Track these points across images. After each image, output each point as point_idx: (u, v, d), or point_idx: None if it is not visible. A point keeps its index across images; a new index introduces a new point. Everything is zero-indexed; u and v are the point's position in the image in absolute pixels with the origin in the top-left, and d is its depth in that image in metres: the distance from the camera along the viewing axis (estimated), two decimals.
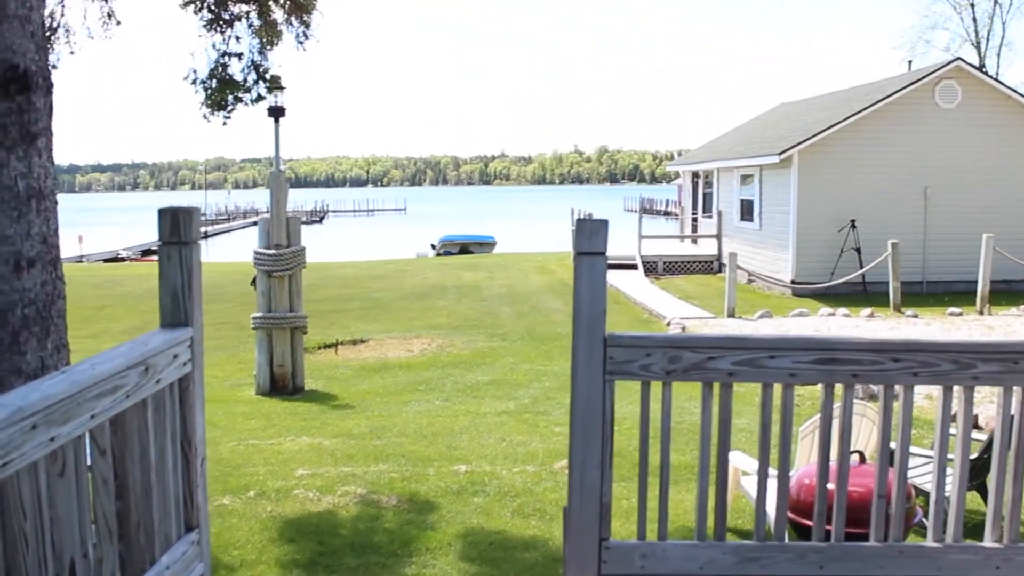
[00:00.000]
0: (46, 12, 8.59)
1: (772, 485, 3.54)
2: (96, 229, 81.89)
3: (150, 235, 70.32)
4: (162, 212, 3.23)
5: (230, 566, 6.48)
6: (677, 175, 40.83)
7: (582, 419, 3.33)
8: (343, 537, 6.93)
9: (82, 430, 2.55)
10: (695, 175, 32.08)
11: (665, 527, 3.48)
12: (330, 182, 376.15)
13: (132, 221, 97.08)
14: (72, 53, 9.01)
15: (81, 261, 48.12)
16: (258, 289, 13.34)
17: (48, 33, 8.75)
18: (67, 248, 51.70)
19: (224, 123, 10.04)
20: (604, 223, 3.30)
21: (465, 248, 46.32)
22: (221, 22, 9.28)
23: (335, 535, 6.98)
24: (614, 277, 24.73)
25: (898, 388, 3.44)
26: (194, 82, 9.76)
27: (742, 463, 6.76)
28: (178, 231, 3.22)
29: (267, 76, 9.83)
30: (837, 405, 3.50)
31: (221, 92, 9.69)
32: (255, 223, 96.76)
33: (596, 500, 3.33)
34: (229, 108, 9.92)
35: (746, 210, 25.96)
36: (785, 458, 3.41)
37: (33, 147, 3.69)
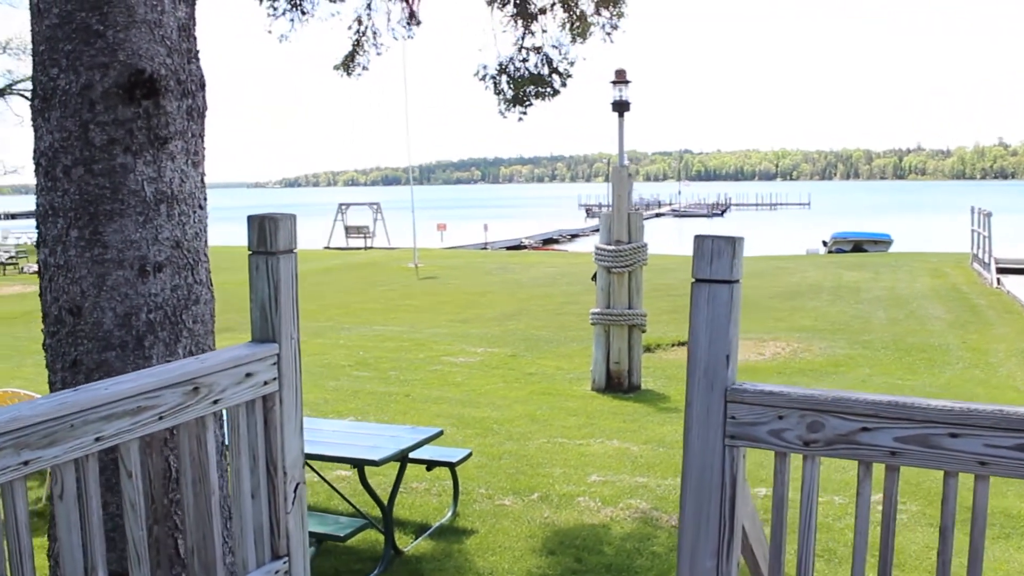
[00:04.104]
0: (358, 17, 8.92)
1: None
2: (505, 218, 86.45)
3: (555, 225, 73.36)
4: (250, 220, 3.04)
5: (479, 572, 6.34)
6: None
7: (695, 492, 2.65)
8: (604, 556, 6.55)
9: (80, 453, 2.41)
10: None
11: None
12: (739, 175, 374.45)
13: (544, 211, 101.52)
14: (379, 55, 9.32)
15: (485, 248, 50.85)
16: (597, 285, 13.22)
17: (357, 36, 9.12)
18: (473, 235, 55.17)
19: (520, 119, 9.93)
20: (732, 242, 2.60)
21: (858, 246, 43.62)
22: (526, 16, 9.15)
23: (597, 552, 6.62)
24: (1013, 283, 22.25)
25: None
26: (483, 78, 9.73)
27: None
28: (265, 240, 3.01)
29: (562, 70, 9.58)
30: None
31: (519, 87, 9.57)
32: (658, 215, 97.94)
33: None
34: (527, 104, 9.78)
35: None
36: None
37: (164, 151, 3.67)
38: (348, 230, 51.38)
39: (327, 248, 49.50)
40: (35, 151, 3.71)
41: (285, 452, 3.06)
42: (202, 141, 3.94)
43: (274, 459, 3.05)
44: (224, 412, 3.03)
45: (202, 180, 3.92)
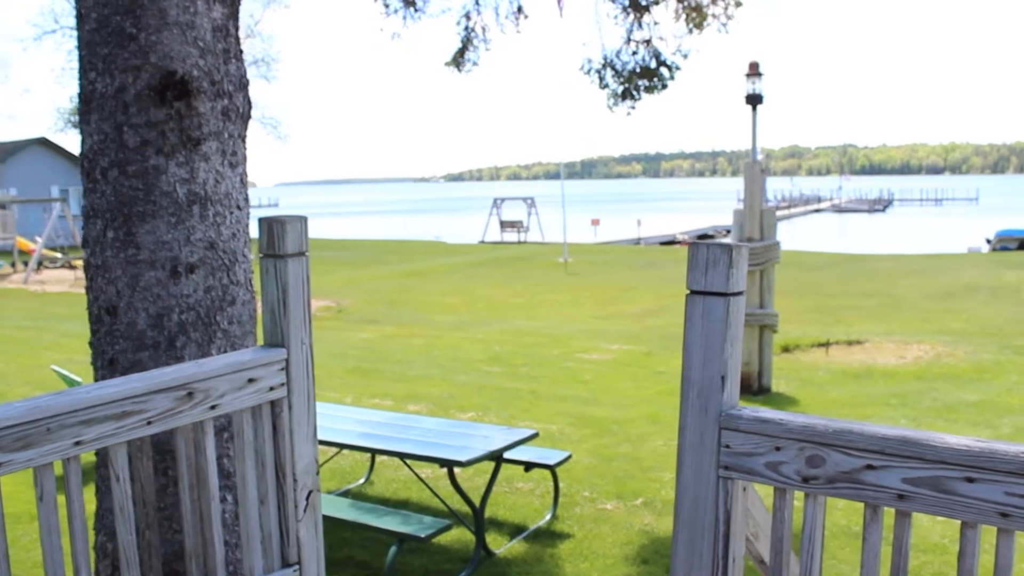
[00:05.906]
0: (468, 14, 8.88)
1: None
2: (662, 212, 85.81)
3: (710, 220, 72.21)
4: (260, 222, 3.01)
5: None
6: None
7: (687, 527, 2.42)
8: None
9: (58, 456, 2.43)
10: None
11: None
12: (904, 170, 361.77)
13: (701, 206, 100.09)
14: (488, 50, 9.25)
15: (638, 243, 50.49)
16: None
17: (466, 33, 9.09)
18: (626, 230, 54.82)
19: (628, 113, 9.67)
20: (729, 250, 2.30)
21: None
22: (637, 7, 8.91)
23: None
24: None
25: None
26: (588, 72, 9.51)
27: None
28: (273, 243, 2.97)
29: (670, 63, 9.28)
30: None
31: (629, 81, 9.33)
32: (816, 211, 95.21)
33: None
34: (636, 98, 9.52)
35: None
36: None
37: (197, 152, 3.69)
38: (503, 224, 51.85)
39: (482, 242, 50.09)
40: (80, 154, 3.82)
41: (295, 459, 3.02)
42: (242, 142, 3.95)
43: (283, 466, 3.02)
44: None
45: (241, 181, 3.93)
